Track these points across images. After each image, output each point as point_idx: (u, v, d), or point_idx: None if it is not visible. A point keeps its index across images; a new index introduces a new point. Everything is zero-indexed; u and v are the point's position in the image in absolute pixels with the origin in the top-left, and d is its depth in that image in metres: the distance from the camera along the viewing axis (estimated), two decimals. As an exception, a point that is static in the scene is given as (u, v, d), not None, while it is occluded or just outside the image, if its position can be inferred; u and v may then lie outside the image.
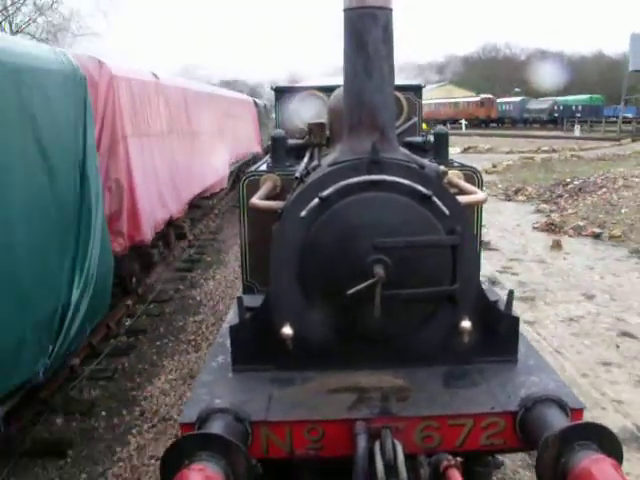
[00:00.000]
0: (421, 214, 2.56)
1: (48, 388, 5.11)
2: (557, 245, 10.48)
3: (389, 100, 2.77)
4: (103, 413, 5.22)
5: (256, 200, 3.20)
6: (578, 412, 2.38)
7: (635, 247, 10.30)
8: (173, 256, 9.86)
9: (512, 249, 10.36)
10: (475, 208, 3.57)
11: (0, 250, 3.74)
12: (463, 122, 52.39)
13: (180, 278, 9.22)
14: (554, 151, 28.35)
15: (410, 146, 3.83)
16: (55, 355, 4.52)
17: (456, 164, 3.81)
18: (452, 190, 3.08)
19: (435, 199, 2.55)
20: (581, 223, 12.05)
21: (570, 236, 11.37)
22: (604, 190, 14.95)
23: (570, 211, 13.51)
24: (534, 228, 12.26)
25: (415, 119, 4.74)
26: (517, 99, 60.81)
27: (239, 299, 2.73)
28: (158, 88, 8.25)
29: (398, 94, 4.34)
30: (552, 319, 6.97)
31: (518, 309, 6.93)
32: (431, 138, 4.01)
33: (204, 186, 10.89)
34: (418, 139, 4.24)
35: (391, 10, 2.70)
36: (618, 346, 6.25)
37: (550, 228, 12.02)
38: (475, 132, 47.40)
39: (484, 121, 58.51)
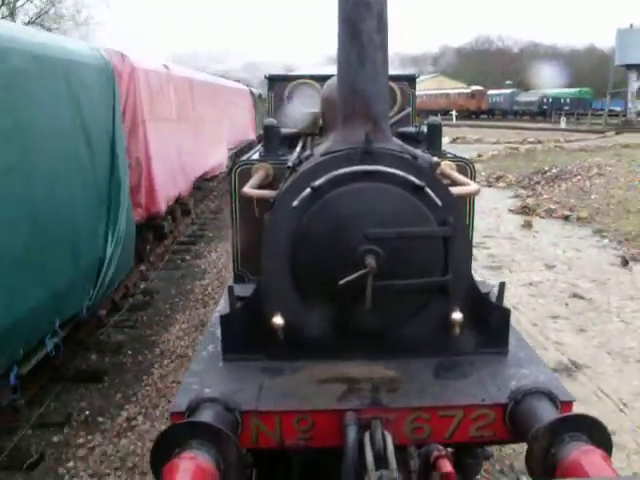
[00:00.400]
0: (413, 205, 2.56)
1: (83, 331, 6.11)
2: (528, 225, 11.54)
3: (383, 90, 2.77)
4: (129, 352, 6.20)
5: (248, 189, 3.18)
6: (568, 404, 2.37)
7: (598, 227, 11.36)
8: (179, 231, 10.84)
9: (486, 227, 11.39)
10: (467, 199, 3.56)
11: (64, 205, 4.73)
12: (454, 113, 53.28)
13: (185, 250, 10.23)
14: (539, 142, 29.33)
15: (403, 136, 3.86)
16: (94, 298, 5.52)
17: (449, 155, 3.81)
18: (445, 181, 3.06)
19: (428, 190, 2.54)
20: (553, 206, 13.11)
21: (541, 217, 12.45)
22: (578, 178, 16.04)
23: (545, 196, 14.58)
24: (510, 211, 13.32)
25: (409, 109, 4.74)
26: (507, 91, 61.81)
27: (230, 288, 2.72)
28: (169, 78, 9.20)
29: (392, 84, 4.33)
30: (514, 283, 8.00)
31: (486, 276, 8.01)
32: (424, 129, 4.00)
33: (206, 168, 11.85)
34: (411, 129, 4.24)
35: None
36: (567, 304, 7.31)
37: (524, 211, 13.07)
38: (465, 123, 48.32)
39: (475, 112, 59.48)
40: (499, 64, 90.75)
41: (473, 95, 60.39)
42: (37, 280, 4.33)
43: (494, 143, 30.75)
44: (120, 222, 6.08)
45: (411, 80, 4.82)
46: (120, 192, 6.13)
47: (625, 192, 13.95)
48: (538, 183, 16.38)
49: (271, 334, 2.55)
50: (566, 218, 12.23)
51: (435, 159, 3.04)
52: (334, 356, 2.59)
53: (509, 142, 30.44)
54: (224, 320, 2.67)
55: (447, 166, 3.51)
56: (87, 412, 5.08)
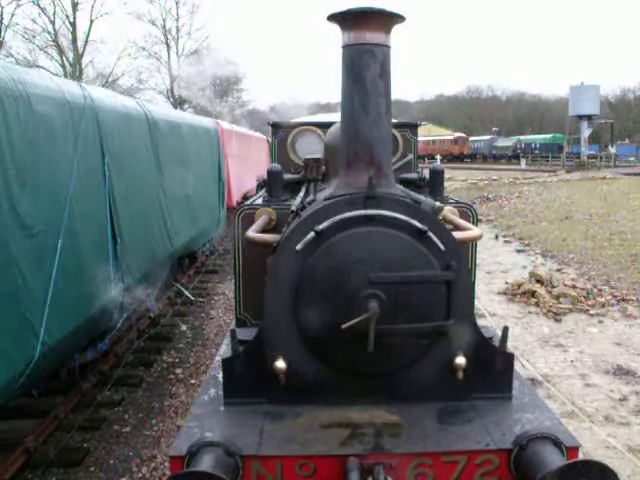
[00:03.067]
0: (417, 249, 2.57)
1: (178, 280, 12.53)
2: (451, 223, 18.23)
3: (386, 136, 2.79)
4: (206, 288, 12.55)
5: (252, 233, 3.16)
6: (574, 450, 2.33)
7: (496, 224, 17.90)
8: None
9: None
10: (470, 244, 3.57)
11: (210, 199, 11.29)
12: (438, 157, 60.26)
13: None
14: (495, 179, 36.04)
15: (406, 182, 3.94)
16: (209, 244, 11.98)
17: (451, 200, 3.80)
18: (447, 226, 3.03)
19: (431, 234, 2.56)
20: (475, 216, 19.80)
21: (464, 221, 19.12)
22: (502, 200, 22.70)
23: (474, 210, 21.28)
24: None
25: (410, 156, 4.79)
26: (487, 137, 68.97)
27: (232, 332, 2.71)
28: (232, 132, 15.89)
29: (394, 131, 4.40)
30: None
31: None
32: (426, 174, 4.07)
33: (247, 188, 18.51)
34: (413, 175, 4.29)
35: (389, 47, 2.74)
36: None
37: (456, 218, 19.75)
38: (446, 165, 55.13)
39: (458, 157, 66.47)
40: (488, 111, 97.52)
41: (456, 141, 67.50)
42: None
43: (462, 180, 37.42)
44: (223, 207, 12.63)
45: (413, 127, 4.89)
46: (224, 193, 12.71)
47: (526, 206, 20.56)
48: (474, 203, 23.02)
49: (273, 378, 2.57)
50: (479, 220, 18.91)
51: (438, 204, 3.00)
52: (336, 400, 2.58)
53: (474, 180, 37.14)
54: (226, 364, 2.66)
55: (449, 211, 3.51)
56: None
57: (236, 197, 15.29)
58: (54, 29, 24.72)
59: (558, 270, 11.32)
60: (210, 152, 11.73)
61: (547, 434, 2.31)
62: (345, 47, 2.74)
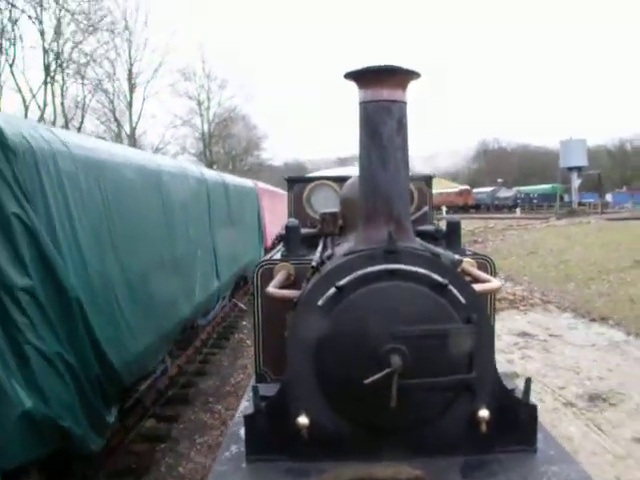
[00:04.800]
0: (438, 303, 2.58)
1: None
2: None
3: (404, 190, 2.83)
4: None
5: (272, 289, 3.20)
6: None
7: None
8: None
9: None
10: (489, 296, 3.63)
11: (253, 238, 15.66)
12: (443, 208, 64.77)
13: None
14: (491, 227, 40.20)
15: (422, 235, 3.88)
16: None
17: (469, 252, 3.88)
18: (466, 278, 3.06)
19: (451, 288, 2.58)
20: (462, 253, 24.09)
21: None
22: (488, 242, 26.89)
23: (463, 250, 25.57)
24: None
25: (426, 208, 4.86)
26: (489, 189, 73.57)
27: (254, 388, 2.74)
28: (264, 189, 20.35)
29: (410, 184, 4.35)
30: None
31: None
32: (443, 227, 4.09)
33: (275, 234, 22.96)
34: (430, 228, 4.32)
35: (405, 103, 2.80)
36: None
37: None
38: (450, 216, 59.52)
39: (462, 207, 70.87)
40: (494, 163, 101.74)
41: (461, 193, 72.05)
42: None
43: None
44: (262, 246, 16.95)
45: (428, 180, 4.97)
46: (264, 235, 17.07)
47: (504, 246, 24.74)
48: (465, 244, 27.29)
49: (295, 434, 2.56)
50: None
51: (457, 257, 3.04)
52: (359, 456, 2.56)
53: (472, 227, 41.34)
54: (248, 420, 2.66)
55: (468, 263, 3.54)
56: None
57: (270, 239, 19.67)
58: (113, 107, 29.74)
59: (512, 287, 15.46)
60: (252, 206, 16.10)
61: None
62: (362, 104, 2.79)
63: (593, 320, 11.41)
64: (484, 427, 2.60)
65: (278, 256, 3.84)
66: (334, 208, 4.30)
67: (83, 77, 24.78)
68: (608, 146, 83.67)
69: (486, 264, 3.72)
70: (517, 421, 2.71)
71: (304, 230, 4.12)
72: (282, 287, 3.31)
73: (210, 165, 34.85)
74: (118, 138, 29.41)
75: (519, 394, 2.79)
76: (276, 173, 45.74)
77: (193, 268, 7.77)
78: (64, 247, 4.13)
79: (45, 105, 24.80)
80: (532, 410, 2.75)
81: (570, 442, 5.77)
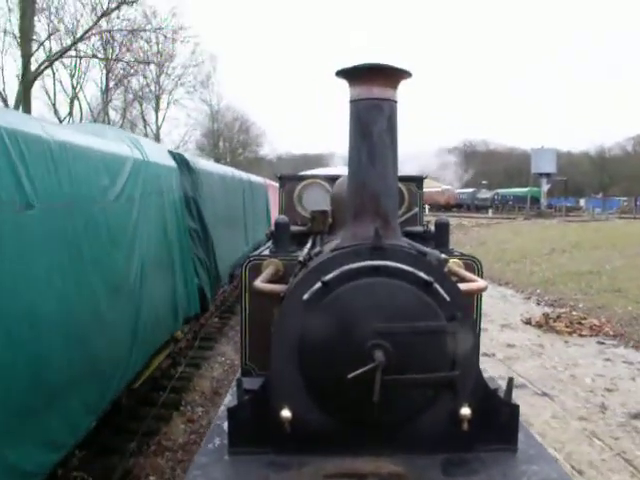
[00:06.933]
0: (422, 300, 2.59)
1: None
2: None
3: (392, 188, 2.85)
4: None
5: (259, 283, 3.21)
6: None
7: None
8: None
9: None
10: (475, 296, 3.65)
11: (260, 224, 20.86)
12: (427, 207, 69.87)
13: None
14: (462, 225, 45.45)
15: (411, 235, 3.90)
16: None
17: (456, 253, 3.87)
18: (453, 278, 3.06)
19: (436, 286, 2.58)
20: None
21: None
22: (453, 235, 32.10)
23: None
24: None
25: (416, 210, 4.85)
26: (470, 190, 78.70)
27: (238, 381, 2.74)
28: (270, 184, 25.51)
29: (400, 185, 4.41)
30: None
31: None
32: (432, 227, 4.13)
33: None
34: (419, 229, 4.39)
35: (396, 102, 2.81)
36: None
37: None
38: (432, 214, 64.90)
39: (444, 206, 76.06)
40: (480, 165, 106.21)
41: (443, 193, 77.20)
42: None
43: (437, 224, 46.94)
44: (269, 227, 22.11)
45: (418, 181, 4.94)
46: (269, 220, 22.22)
47: (465, 239, 30.00)
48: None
49: (278, 427, 2.56)
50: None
51: (443, 256, 3.04)
52: (341, 450, 2.57)
53: (447, 224, 46.63)
54: (231, 413, 2.66)
55: (455, 264, 3.59)
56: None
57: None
58: (142, 108, 34.65)
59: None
60: (263, 198, 21.16)
61: None
62: (353, 102, 2.79)
63: (500, 284, 16.63)
64: (466, 425, 2.60)
65: (267, 252, 3.81)
66: (325, 207, 4.32)
67: (126, 88, 29.50)
68: (591, 153, 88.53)
69: (473, 265, 3.73)
70: (498, 420, 2.71)
71: (294, 227, 4.16)
72: (270, 282, 3.30)
73: (217, 160, 39.58)
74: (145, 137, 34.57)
75: (501, 393, 2.79)
76: (271, 167, 50.70)
77: (245, 232, 13.50)
78: (209, 212, 9.32)
79: (106, 114, 30.06)
80: (514, 409, 2.74)
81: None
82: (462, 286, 2.99)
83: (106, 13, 23.79)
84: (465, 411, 2.60)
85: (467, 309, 2.77)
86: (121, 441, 5.88)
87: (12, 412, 3.41)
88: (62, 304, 4.12)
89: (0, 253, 3.39)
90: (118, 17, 24.19)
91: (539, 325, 11.38)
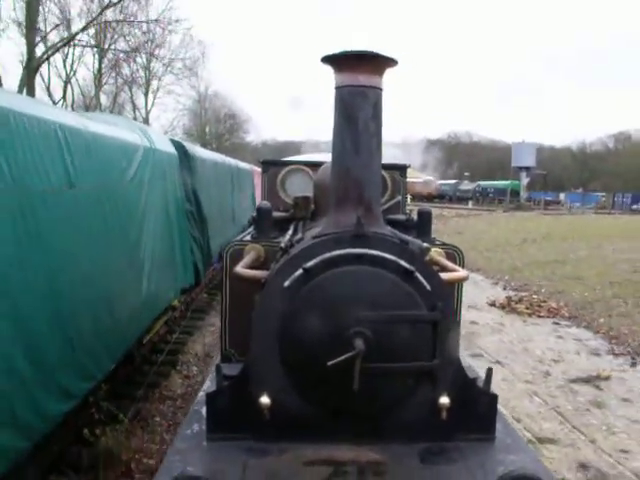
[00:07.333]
0: (403, 289, 2.59)
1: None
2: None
3: (376, 176, 2.84)
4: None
5: (240, 269, 3.19)
6: None
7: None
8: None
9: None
10: (456, 285, 3.62)
11: (247, 206, 21.80)
12: (408, 196, 70.94)
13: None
14: (443, 215, 46.64)
15: (393, 223, 3.87)
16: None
17: (438, 242, 3.85)
18: (434, 267, 3.05)
19: (418, 275, 2.59)
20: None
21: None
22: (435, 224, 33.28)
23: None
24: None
25: (399, 198, 4.85)
26: (452, 181, 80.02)
27: (218, 367, 2.72)
28: (256, 171, 26.35)
29: (383, 172, 4.36)
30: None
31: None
32: (414, 216, 4.12)
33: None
34: (401, 217, 4.37)
35: (381, 90, 2.80)
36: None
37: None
38: (414, 204, 66.03)
39: (426, 197, 77.16)
40: (464, 157, 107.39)
41: (426, 183, 78.31)
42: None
43: (419, 214, 48.10)
44: (254, 208, 23.12)
45: (402, 169, 4.94)
46: (254, 203, 23.15)
47: (444, 229, 31.13)
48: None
49: (257, 414, 2.55)
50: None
51: (425, 245, 3.09)
52: (321, 438, 2.56)
53: (429, 214, 47.79)
54: (210, 399, 2.65)
55: (436, 253, 3.56)
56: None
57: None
58: (131, 92, 35.23)
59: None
60: (250, 183, 22.07)
61: (529, 475, 2.29)
62: (338, 88, 2.79)
63: (472, 271, 17.64)
64: (444, 414, 2.61)
65: (248, 237, 3.79)
66: (308, 193, 4.32)
67: (118, 73, 30.08)
68: (573, 148, 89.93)
69: (455, 254, 3.72)
70: (477, 410, 2.72)
71: (276, 213, 4.12)
72: (251, 268, 3.29)
73: (204, 145, 40.35)
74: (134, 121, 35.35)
75: (480, 383, 2.80)
76: (256, 153, 51.45)
77: (233, 215, 14.49)
78: (204, 196, 10.22)
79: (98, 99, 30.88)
80: (492, 399, 2.76)
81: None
82: (443, 275, 3.00)
83: (110, 5, 24.67)
84: (444, 400, 2.62)
85: (448, 298, 2.80)
86: (130, 389, 6.88)
87: (64, 349, 4.43)
88: (94, 266, 5.03)
89: (55, 219, 4.35)
90: (115, 7, 24.97)
91: (502, 307, 12.47)
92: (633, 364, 8.70)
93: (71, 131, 4.71)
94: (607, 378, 8.00)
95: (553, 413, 6.80)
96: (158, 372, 7.76)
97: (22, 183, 3.86)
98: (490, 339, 10.00)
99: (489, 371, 2.82)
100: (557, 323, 11.27)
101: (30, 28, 21.97)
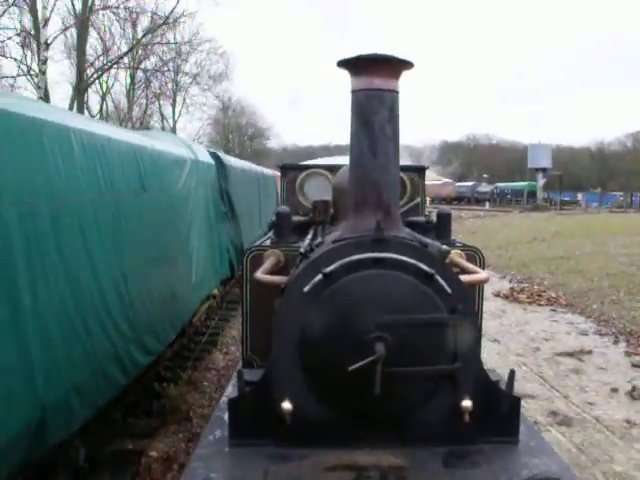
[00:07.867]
0: (424, 292, 2.60)
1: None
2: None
3: (394, 179, 2.85)
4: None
5: (260, 274, 3.22)
6: None
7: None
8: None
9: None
10: (476, 287, 3.62)
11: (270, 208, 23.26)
12: (427, 199, 71.87)
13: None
14: (460, 217, 47.63)
15: (413, 225, 3.88)
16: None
17: (458, 244, 3.87)
18: (454, 269, 3.08)
19: (438, 278, 2.59)
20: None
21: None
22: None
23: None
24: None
25: (418, 199, 4.85)
26: (470, 183, 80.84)
27: (239, 372, 2.76)
28: (278, 176, 27.81)
29: (402, 174, 4.40)
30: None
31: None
32: (434, 218, 4.12)
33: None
34: (421, 219, 4.34)
35: (398, 93, 2.81)
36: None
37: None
38: (433, 206, 67.05)
39: (444, 199, 78.11)
40: (483, 159, 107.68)
41: (444, 185, 79.28)
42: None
43: (437, 215, 49.20)
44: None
45: (421, 171, 4.97)
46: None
47: (459, 228, 32.19)
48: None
49: (279, 419, 2.57)
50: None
51: (445, 247, 3.06)
52: (342, 443, 2.57)
53: (446, 215, 48.87)
54: (232, 404, 2.67)
55: (456, 254, 3.55)
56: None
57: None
58: (160, 104, 37.00)
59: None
60: (273, 187, 23.41)
61: (554, 478, 2.28)
62: (354, 92, 2.80)
63: (482, 267, 18.89)
64: (467, 417, 2.60)
65: (268, 242, 3.82)
66: (327, 197, 4.30)
67: (147, 87, 31.71)
68: (591, 148, 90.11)
69: (475, 256, 3.70)
70: (500, 412, 2.71)
71: (295, 218, 4.15)
72: (271, 273, 3.30)
73: (227, 152, 41.87)
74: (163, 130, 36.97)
75: (503, 386, 2.79)
76: (277, 158, 52.94)
77: (260, 217, 15.76)
78: (236, 199, 11.62)
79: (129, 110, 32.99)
80: (515, 402, 2.75)
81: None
82: (464, 277, 2.99)
83: (150, 31, 26.89)
84: (466, 403, 2.60)
85: (468, 300, 2.77)
86: (182, 362, 8.27)
87: (146, 318, 5.80)
88: (159, 256, 6.37)
89: (131, 218, 5.61)
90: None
91: (505, 297, 13.68)
92: (615, 342, 9.89)
93: (141, 149, 6.13)
94: (589, 352, 9.22)
95: (536, 377, 8.06)
96: (202, 349, 9.16)
97: (115, 189, 5.27)
98: (491, 323, 11.19)
99: (511, 373, 2.83)
100: (554, 310, 12.44)
101: (81, 55, 24.40)
